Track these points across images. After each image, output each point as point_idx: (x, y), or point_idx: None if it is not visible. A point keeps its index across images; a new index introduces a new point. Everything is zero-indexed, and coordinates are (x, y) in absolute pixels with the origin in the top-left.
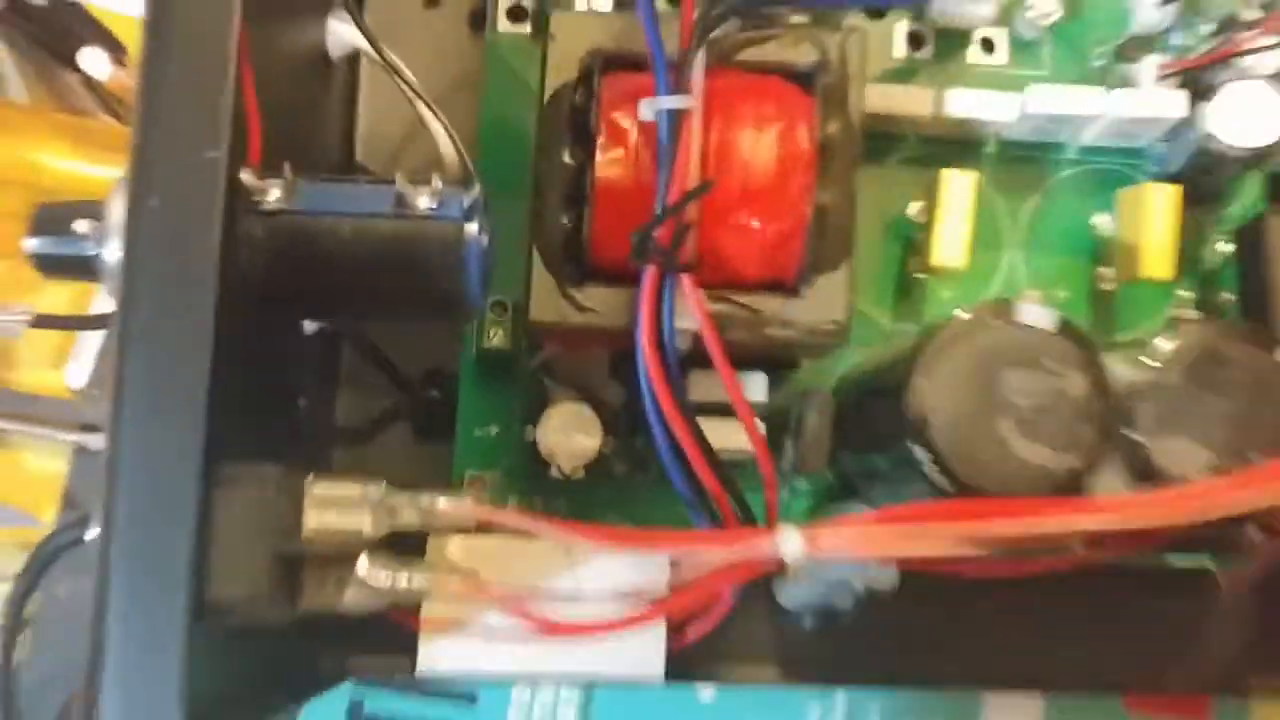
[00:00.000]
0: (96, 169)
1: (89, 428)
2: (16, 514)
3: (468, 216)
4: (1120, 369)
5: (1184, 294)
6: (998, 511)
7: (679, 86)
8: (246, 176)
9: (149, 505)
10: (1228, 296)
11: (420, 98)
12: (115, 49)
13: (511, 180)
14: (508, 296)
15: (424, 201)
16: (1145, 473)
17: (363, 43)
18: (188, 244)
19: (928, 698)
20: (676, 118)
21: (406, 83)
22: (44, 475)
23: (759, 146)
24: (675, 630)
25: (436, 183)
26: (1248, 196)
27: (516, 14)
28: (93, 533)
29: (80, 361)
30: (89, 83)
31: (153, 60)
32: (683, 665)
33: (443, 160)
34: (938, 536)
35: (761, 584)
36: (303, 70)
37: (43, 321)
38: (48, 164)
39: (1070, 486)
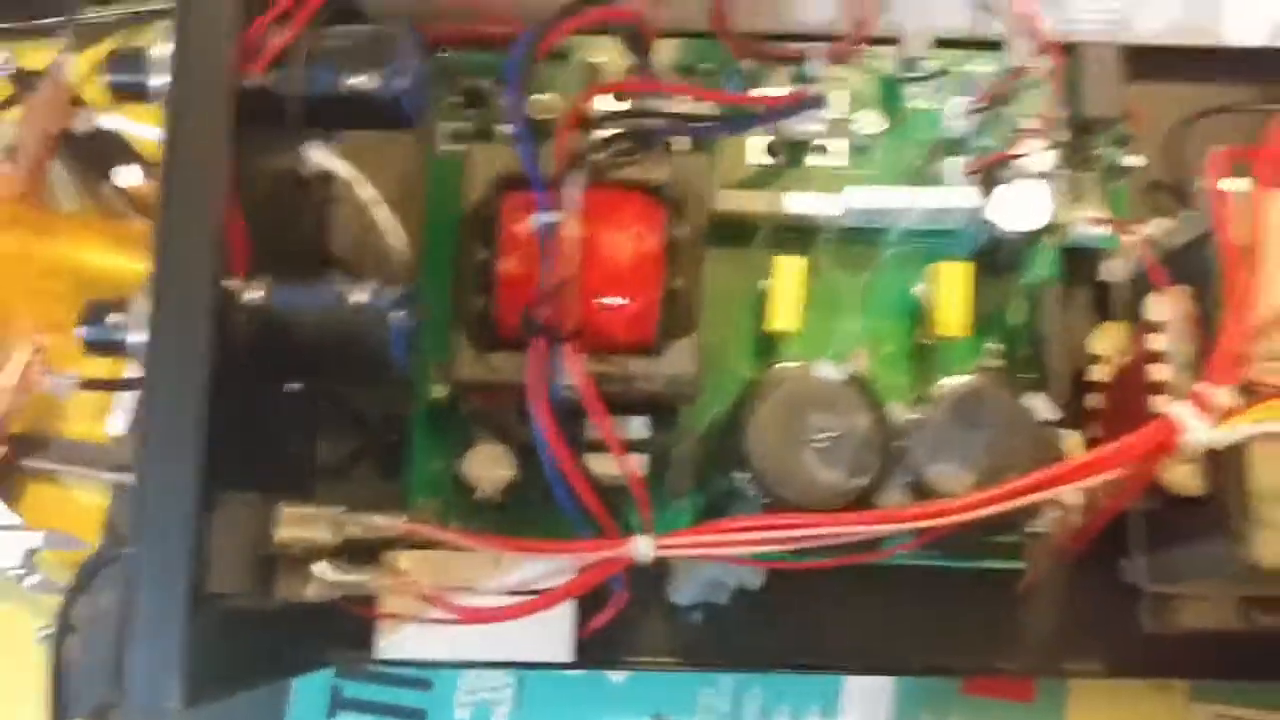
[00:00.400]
0: (129, 261)
1: (125, 469)
2: (69, 539)
3: (394, 307)
4: (899, 410)
5: (993, 347)
6: (797, 523)
7: (555, 204)
8: (233, 283)
9: (163, 522)
10: (1027, 350)
11: (373, 209)
12: (144, 165)
13: (448, 266)
14: (445, 359)
15: (361, 297)
16: (920, 492)
17: (331, 164)
18: (190, 337)
19: (797, 680)
20: (553, 228)
21: (362, 197)
22: (91, 507)
23: (621, 245)
24: (584, 622)
25: (371, 282)
26: (1040, 267)
27: (456, 137)
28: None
29: (118, 415)
30: (123, 192)
31: (166, 205)
32: (594, 653)
33: (392, 253)
34: (748, 540)
35: (656, 585)
36: (284, 188)
37: (88, 384)
38: (89, 259)
39: (861, 503)
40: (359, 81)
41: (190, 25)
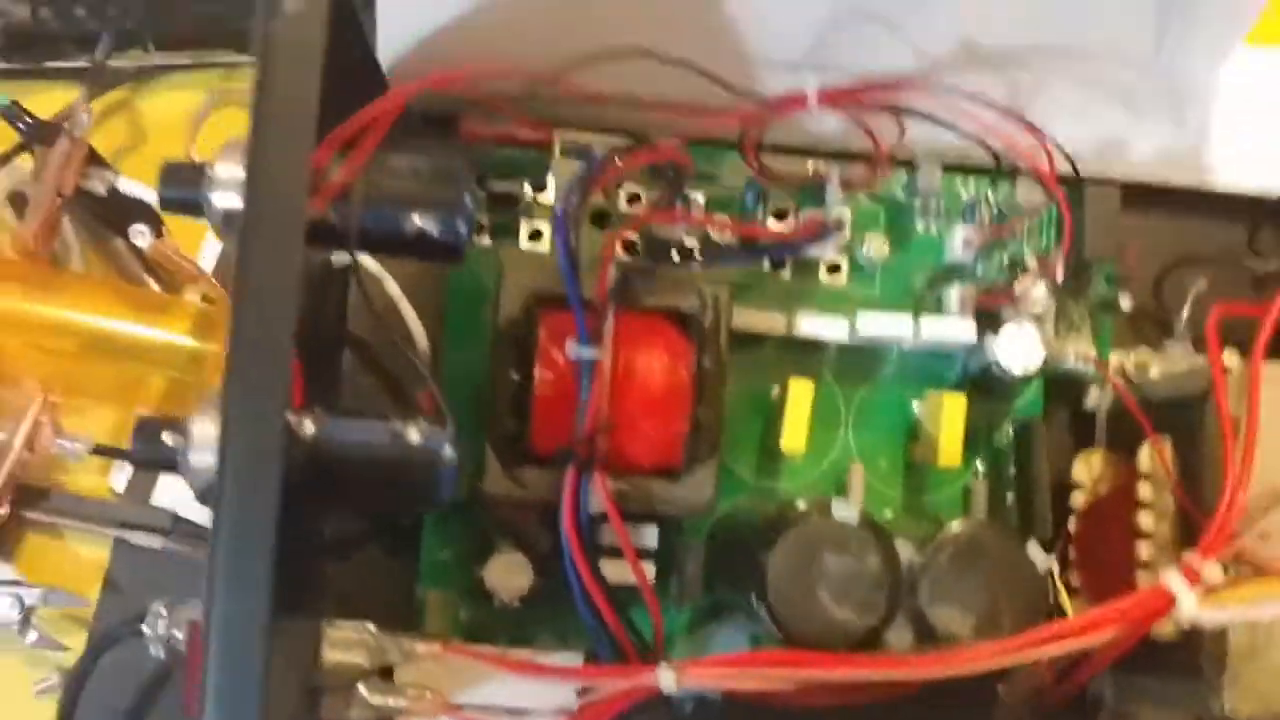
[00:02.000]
0: (140, 324)
1: (126, 524)
2: (68, 596)
3: (446, 446)
4: (907, 550)
5: (980, 467)
6: (814, 662)
7: (595, 334)
8: (291, 416)
9: (230, 670)
10: (1009, 471)
11: (398, 304)
12: (156, 225)
13: (470, 370)
14: (465, 457)
15: (414, 436)
16: (924, 631)
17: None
18: (257, 478)
19: None
20: (591, 363)
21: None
22: (90, 562)
23: (652, 375)
24: None
25: (422, 423)
26: (1030, 395)
27: (478, 229)
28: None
29: (122, 471)
30: (135, 250)
31: (235, 347)
32: None
33: (417, 347)
34: (770, 678)
35: None
36: (318, 290)
37: (100, 450)
38: (99, 320)
39: (869, 640)
40: (422, 223)
41: (265, 152)
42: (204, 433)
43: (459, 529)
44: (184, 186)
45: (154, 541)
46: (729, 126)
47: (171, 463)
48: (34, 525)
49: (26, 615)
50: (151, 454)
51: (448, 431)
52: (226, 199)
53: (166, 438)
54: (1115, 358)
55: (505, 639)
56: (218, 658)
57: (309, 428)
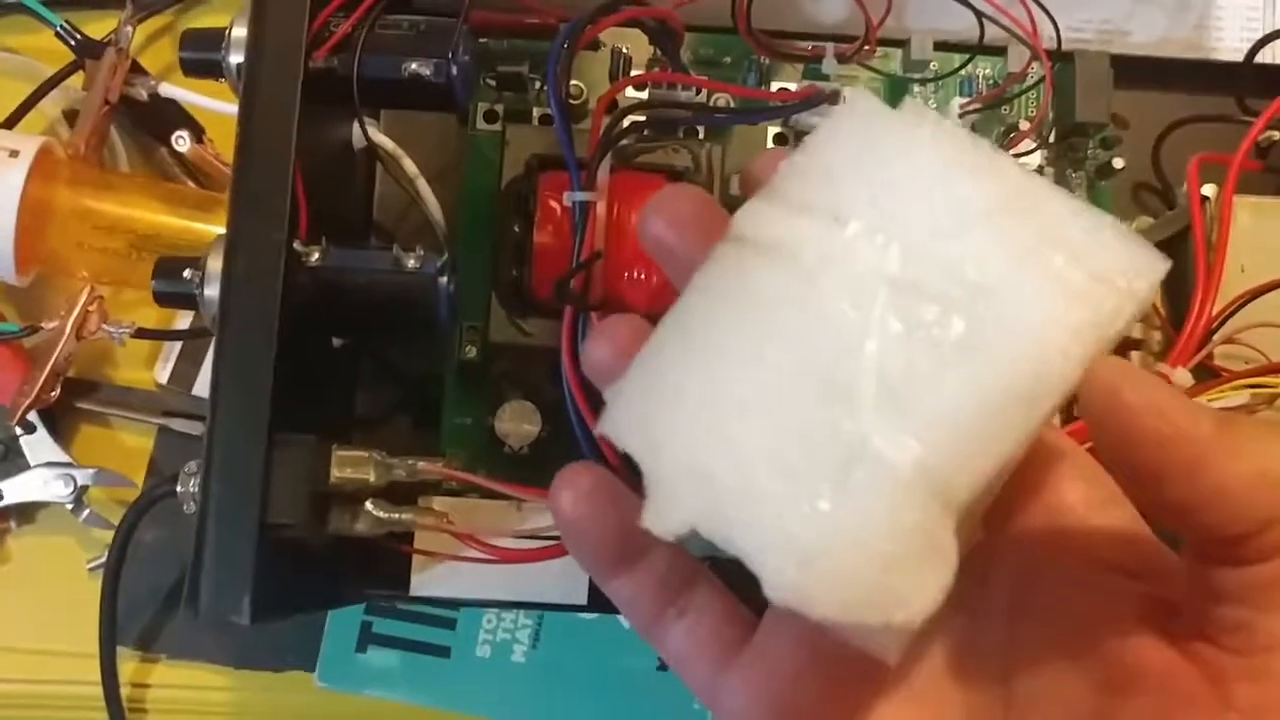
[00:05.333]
0: (181, 221)
1: (170, 413)
2: (116, 477)
3: (440, 272)
4: None
5: None
6: None
7: (587, 184)
8: (297, 245)
9: (233, 459)
10: None
11: (415, 181)
12: (197, 131)
13: (483, 236)
14: (478, 323)
15: (411, 262)
16: None
17: (377, 139)
18: (261, 290)
19: None
20: (584, 206)
21: (405, 170)
22: (136, 449)
23: None
24: None
25: (419, 250)
26: None
27: (490, 117)
28: (180, 486)
29: (165, 363)
30: (177, 156)
31: (239, 174)
32: (607, 599)
33: (432, 222)
34: None
35: None
36: (336, 158)
37: (141, 333)
38: (144, 218)
39: None
40: (418, 68)
41: (267, 11)
42: (218, 267)
43: (476, 397)
44: (203, 48)
45: (194, 428)
46: None
47: (190, 297)
48: (85, 416)
49: (79, 494)
50: (172, 288)
51: (442, 259)
52: (241, 57)
53: (186, 273)
54: None
55: None
56: (221, 462)
57: (314, 256)
